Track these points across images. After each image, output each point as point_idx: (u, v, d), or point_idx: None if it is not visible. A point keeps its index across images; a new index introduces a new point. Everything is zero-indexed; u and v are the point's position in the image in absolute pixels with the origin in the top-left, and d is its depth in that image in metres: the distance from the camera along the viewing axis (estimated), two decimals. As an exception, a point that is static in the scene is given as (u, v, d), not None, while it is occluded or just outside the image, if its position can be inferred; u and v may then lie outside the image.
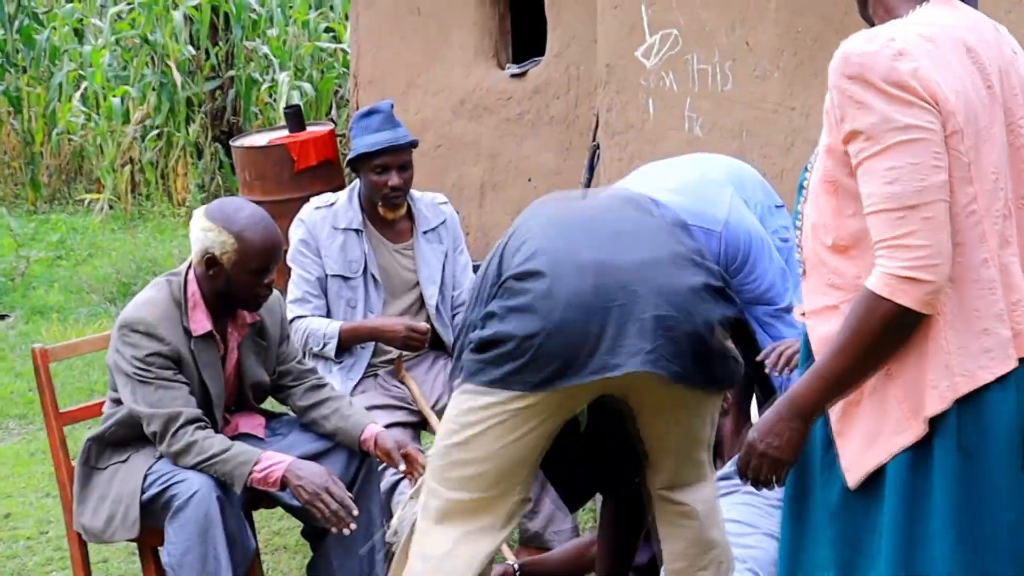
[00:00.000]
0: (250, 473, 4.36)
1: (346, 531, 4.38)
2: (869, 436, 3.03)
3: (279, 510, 4.96)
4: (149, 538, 4.58)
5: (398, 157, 5.33)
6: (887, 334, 2.94)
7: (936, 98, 2.91)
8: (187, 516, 4.33)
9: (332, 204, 5.46)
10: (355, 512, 4.39)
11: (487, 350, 3.55)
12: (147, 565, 4.66)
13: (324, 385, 4.87)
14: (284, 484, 4.38)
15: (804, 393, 3.05)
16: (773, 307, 4.66)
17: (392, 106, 5.44)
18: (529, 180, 9.29)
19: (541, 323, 3.48)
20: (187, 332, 4.53)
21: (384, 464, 4.79)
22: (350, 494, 4.47)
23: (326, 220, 5.41)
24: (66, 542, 5.03)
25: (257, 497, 4.63)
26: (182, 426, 4.41)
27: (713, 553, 3.90)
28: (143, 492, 4.46)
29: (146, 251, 11.57)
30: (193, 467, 4.39)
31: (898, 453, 3.00)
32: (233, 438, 4.60)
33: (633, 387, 3.61)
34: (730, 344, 3.65)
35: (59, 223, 13.09)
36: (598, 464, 3.97)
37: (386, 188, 5.34)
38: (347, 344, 5.33)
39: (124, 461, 4.56)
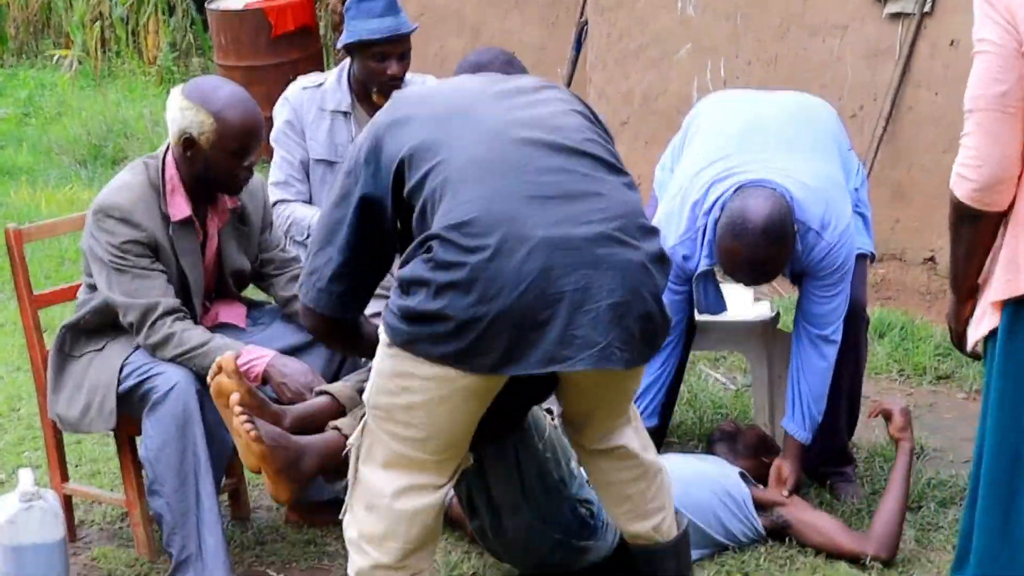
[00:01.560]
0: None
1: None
2: (978, 314, 3.37)
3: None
4: (126, 427, 4.44)
5: (399, 45, 5.13)
6: (958, 222, 3.30)
7: (1015, 17, 3.11)
8: (165, 410, 4.21)
9: (320, 84, 5.27)
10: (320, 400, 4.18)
11: (420, 322, 3.30)
12: (124, 455, 4.54)
13: None
14: (266, 380, 4.24)
15: (949, 278, 3.46)
16: (817, 331, 4.63)
17: (395, -14, 5.20)
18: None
19: (484, 308, 3.23)
20: (165, 218, 4.37)
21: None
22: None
23: (313, 101, 5.23)
24: (39, 421, 4.89)
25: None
26: (160, 317, 4.27)
27: (659, 479, 3.79)
28: (120, 383, 4.33)
29: (116, 111, 11.32)
30: (171, 360, 4.26)
31: (987, 336, 3.34)
32: (213, 328, 4.47)
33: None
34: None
35: (27, 79, 12.82)
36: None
37: (384, 76, 5.14)
38: None
39: (100, 350, 4.42)
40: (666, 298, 4.63)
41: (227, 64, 9.81)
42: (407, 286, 3.32)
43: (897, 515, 4.43)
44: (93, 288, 4.42)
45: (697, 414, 5.58)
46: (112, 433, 4.55)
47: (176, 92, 4.37)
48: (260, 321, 4.66)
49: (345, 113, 5.21)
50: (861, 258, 4.83)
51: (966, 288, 3.41)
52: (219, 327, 4.52)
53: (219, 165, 4.32)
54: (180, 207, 4.38)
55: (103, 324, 4.41)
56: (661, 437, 5.07)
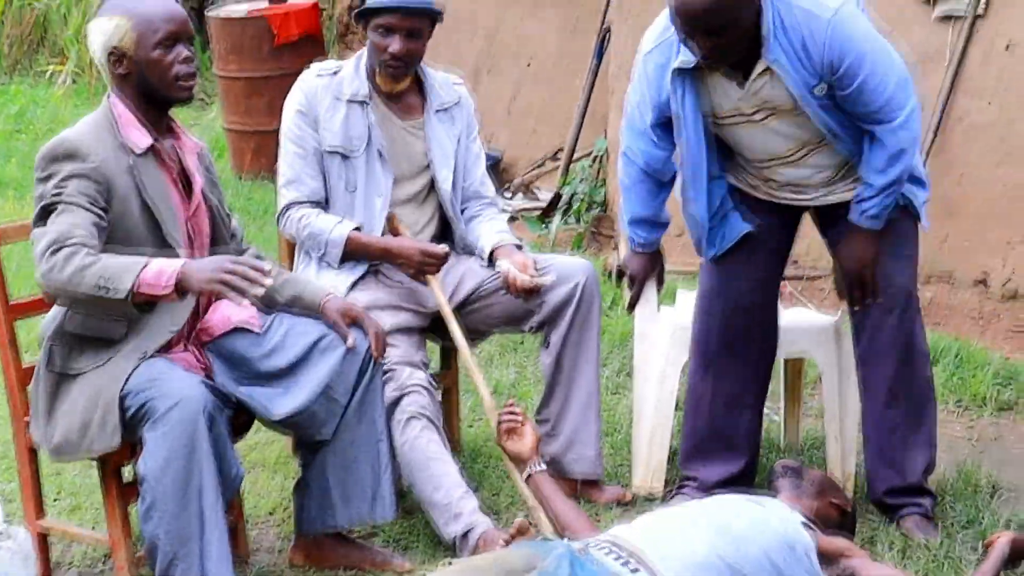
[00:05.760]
0: (138, 276, 3.69)
1: (259, 290, 3.70)
2: None
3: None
4: (113, 454, 3.93)
5: (407, 21, 4.67)
6: None
7: None
8: (172, 422, 3.72)
9: (336, 72, 4.81)
10: (267, 268, 3.75)
11: None
12: (108, 487, 4.00)
13: (263, 257, 4.28)
14: (182, 288, 3.73)
15: None
16: (878, 127, 4.21)
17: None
18: (528, 64, 8.68)
19: None
20: (124, 148, 3.99)
21: (388, 374, 4.38)
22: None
23: (328, 89, 4.77)
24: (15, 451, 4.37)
25: (236, 427, 4.12)
26: (75, 245, 3.76)
27: None
28: (122, 398, 3.84)
29: (109, 127, 10.93)
30: (68, 278, 3.70)
31: None
32: (226, 333, 4.14)
33: None
34: None
35: (19, 95, 12.52)
36: None
37: (385, 54, 4.69)
38: (353, 256, 4.70)
39: (102, 365, 3.92)
40: (642, 154, 4.46)
41: (227, 74, 9.42)
42: None
43: None
44: None
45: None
46: (96, 462, 4.04)
47: (88, 26, 4.11)
48: (269, 327, 4.19)
49: (362, 102, 4.75)
50: (909, 215, 4.42)
51: None
52: (232, 332, 4.16)
53: (151, 66, 4.01)
54: (138, 138, 4.02)
55: (93, 325, 3.93)
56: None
